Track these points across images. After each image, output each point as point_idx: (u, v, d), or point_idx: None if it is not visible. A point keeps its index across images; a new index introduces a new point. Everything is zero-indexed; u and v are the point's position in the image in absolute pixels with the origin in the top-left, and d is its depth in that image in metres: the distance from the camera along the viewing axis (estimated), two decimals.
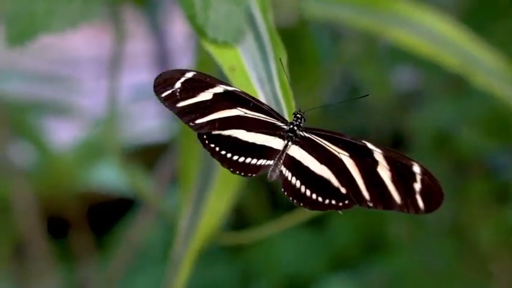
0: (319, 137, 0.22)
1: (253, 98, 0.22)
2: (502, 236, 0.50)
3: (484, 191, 0.51)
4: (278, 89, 0.24)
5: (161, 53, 0.63)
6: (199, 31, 0.26)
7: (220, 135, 0.22)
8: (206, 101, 0.22)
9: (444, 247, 0.53)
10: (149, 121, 0.64)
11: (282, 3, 0.41)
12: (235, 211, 0.57)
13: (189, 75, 0.22)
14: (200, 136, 0.22)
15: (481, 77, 0.35)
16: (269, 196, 0.58)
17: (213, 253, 0.56)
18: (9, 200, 0.51)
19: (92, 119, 0.58)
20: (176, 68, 0.22)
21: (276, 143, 0.22)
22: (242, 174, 0.22)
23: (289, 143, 0.22)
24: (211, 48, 0.25)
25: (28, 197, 0.49)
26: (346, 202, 0.21)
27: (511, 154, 0.55)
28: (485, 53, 0.36)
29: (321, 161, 0.22)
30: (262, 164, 0.22)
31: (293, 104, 0.23)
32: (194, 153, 0.31)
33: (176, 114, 0.22)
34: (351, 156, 0.21)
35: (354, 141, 0.21)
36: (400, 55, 0.42)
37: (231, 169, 0.22)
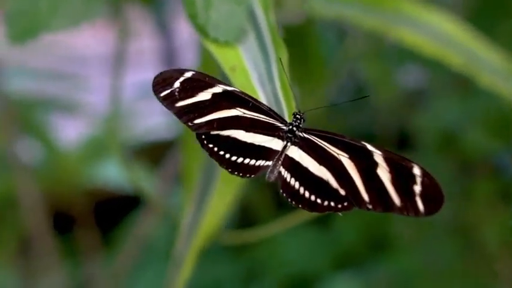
0: (318, 138, 0.22)
1: (252, 98, 0.22)
2: (507, 236, 0.50)
3: (489, 190, 0.50)
4: (279, 89, 0.24)
5: (168, 51, 0.63)
6: (200, 30, 0.26)
7: (218, 135, 0.22)
8: (205, 101, 0.22)
9: (449, 247, 0.52)
10: (156, 118, 0.64)
11: (288, 2, 0.41)
12: (240, 210, 0.57)
13: (188, 74, 0.22)
14: (198, 136, 0.22)
15: (486, 76, 0.34)
16: (274, 195, 0.58)
17: (217, 251, 0.56)
18: (15, 196, 0.51)
19: (98, 116, 0.58)
20: (175, 68, 0.22)
21: (275, 143, 0.22)
22: (240, 175, 0.22)
23: (289, 144, 0.22)
24: (212, 48, 0.25)
25: (34, 193, 0.50)
26: (345, 204, 0.21)
27: None
28: (490, 53, 0.35)
29: (320, 162, 0.21)
30: (261, 164, 0.22)
31: (294, 104, 0.23)
32: (196, 152, 0.31)
33: (174, 114, 0.22)
34: (350, 158, 0.21)
35: (353, 143, 0.21)
36: (406, 54, 0.42)
37: (229, 170, 0.22)
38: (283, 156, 0.22)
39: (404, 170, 0.21)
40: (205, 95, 0.22)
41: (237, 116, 0.22)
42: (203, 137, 0.22)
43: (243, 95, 0.22)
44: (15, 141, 0.50)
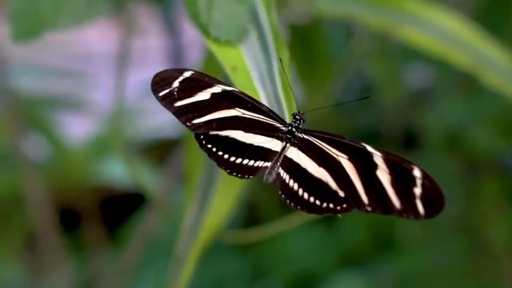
0: (318, 139, 0.22)
1: (251, 98, 0.22)
2: None
3: (495, 190, 0.50)
4: (280, 90, 0.24)
5: (175, 49, 0.63)
6: (202, 30, 0.26)
7: (217, 135, 0.22)
8: (204, 100, 0.22)
9: (455, 246, 0.52)
10: (163, 116, 0.64)
11: (295, 2, 0.41)
12: (246, 208, 0.57)
13: (187, 74, 0.22)
14: (197, 136, 0.22)
15: (492, 76, 0.34)
16: None
17: (223, 249, 0.56)
18: (22, 193, 0.51)
19: (104, 114, 0.58)
20: (174, 67, 0.22)
21: (274, 144, 0.22)
22: (239, 175, 0.22)
23: (288, 145, 0.22)
24: (214, 47, 0.25)
25: (41, 190, 0.50)
26: (344, 206, 0.21)
27: None
28: (496, 52, 0.35)
29: (320, 163, 0.21)
30: (260, 165, 0.22)
31: (294, 105, 0.23)
32: (199, 152, 0.31)
33: (173, 113, 0.22)
34: (350, 159, 0.21)
35: (353, 144, 0.21)
36: (412, 53, 0.42)
37: (228, 170, 0.22)
38: (282, 157, 0.22)
39: (404, 172, 0.20)
40: (204, 95, 0.22)
41: (236, 117, 0.22)
42: (202, 137, 0.22)
43: (242, 95, 0.22)
44: (22, 139, 0.50)
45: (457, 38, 0.36)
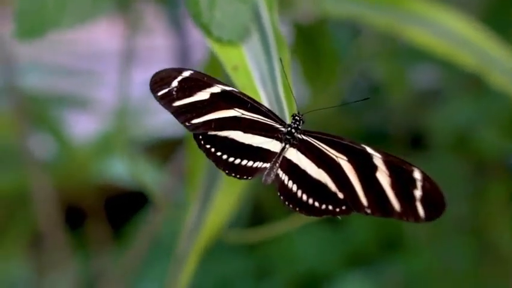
0: (317, 140, 0.21)
1: (251, 98, 0.22)
2: None
3: (503, 191, 0.50)
4: (281, 90, 0.24)
5: (182, 48, 0.63)
6: (203, 29, 0.25)
7: (216, 136, 0.22)
8: (203, 100, 0.22)
9: (462, 248, 0.52)
10: (169, 115, 0.64)
11: (301, 2, 0.40)
12: (252, 208, 0.57)
13: (186, 74, 0.22)
14: (196, 136, 0.22)
15: (499, 76, 0.34)
16: None
17: (228, 248, 0.56)
18: (28, 191, 0.51)
19: (110, 112, 0.58)
20: (173, 67, 0.22)
21: (274, 145, 0.22)
22: (237, 176, 0.22)
23: (287, 146, 0.22)
24: (215, 47, 0.25)
25: (47, 187, 0.50)
26: (343, 208, 0.21)
27: None
28: (502, 53, 0.35)
29: (319, 164, 0.21)
30: (259, 166, 0.21)
31: (295, 106, 0.23)
32: (200, 151, 0.31)
33: (172, 113, 0.22)
34: (349, 161, 0.21)
35: (352, 145, 0.21)
36: (419, 54, 0.41)
37: (226, 171, 0.22)
38: (281, 158, 0.21)
39: (404, 174, 0.20)
40: (203, 95, 0.22)
41: (235, 117, 0.22)
42: (200, 137, 0.22)
43: (241, 96, 0.22)
44: (29, 137, 0.50)
45: (463, 39, 0.36)
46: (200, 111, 0.22)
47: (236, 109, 0.22)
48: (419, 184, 0.20)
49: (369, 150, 0.21)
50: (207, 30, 0.25)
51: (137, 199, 0.59)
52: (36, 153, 0.52)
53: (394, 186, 0.20)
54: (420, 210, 0.20)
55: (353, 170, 0.21)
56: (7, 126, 0.54)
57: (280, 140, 0.22)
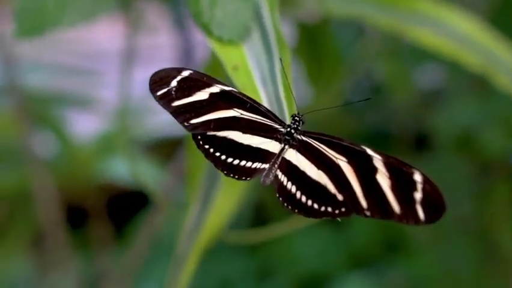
0: (317, 141, 0.21)
1: (250, 98, 0.22)
2: None
3: (507, 192, 0.49)
4: (281, 90, 0.24)
5: (185, 48, 0.63)
6: (204, 28, 0.25)
7: (215, 136, 0.21)
8: (202, 100, 0.21)
9: (466, 249, 0.51)
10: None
11: (304, 1, 0.40)
12: (254, 208, 0.57)
13: (185, 73, 0.22)
14: (194, 137, 0.21)
15: (503, 77, 0.33)
16: None
17: (230, 249, 0.56)
18: (30, 190, 0.51)
19: (112, 111, 0.58)
20: (173, 66, 0.22)
21: (273, 146, 0.21)
22: (236, 177, 0.21)
23: (286, 147, 0.21)
24: (216, 46, 0.25)
25: (49, 187, 0.50)
26: (343, 210, 0.21)
27: None
28: (507, 53, 0.34)
29: (318, 166, 0.21)
30: (258, 167, 0.21)
31: (295, 106, 0.23)
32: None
33: (170, 113, 0.22)
34: (349, 162, 0.21)
35: (352, 146, 0.21)
36: (423, 54, 0.41)
37: (225, 172, 0.21)
38: (280, 159, 0.21)
39: (405, 176, 0.20)
40: (202, 95, 0.21)
41: (234, 117, 0.21)
42: (199, 137, 0.21)
43: (240, 96, 0.22)
44: (31, 136, 0.50)
45: (467, 39, 0.36)
46: (199, 111, 0.21)
47: (235, 109, 0.21)
48: (419, 186, 0.20)
49: (369, 151, 0.20)
50: (207, 29, 0.25)
51: (139, 199, 0.59)
52: (38, 153, 0.52)
53: (394, 188, 0.20)
54: (421, 213, 0.20)
55: (353, 172, 0.20)
56: (9, 125, 0.54)
57: (279, 140, 0.22)
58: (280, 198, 0.21)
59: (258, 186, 0.30)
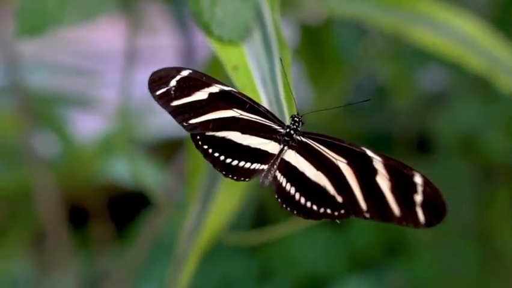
0: (316, 142, 0.21)
1: (249, 99, 0.21)
2: None
3: (509, 195, 0.49)
4: (281, 91, 0.23)
5: (187, 48, 0.62)
6: (204, 28, 0.25)
7: (213, 136, 0.21)
8: (201, 100, 0.21)
9: (467, 253, 0.51)
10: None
11: (307, 1, 0.40)
12: (256, 209, 0.57)
13: (185, 73, 0.21)
14: (193, 137, 0.21)
15: (505, 79, 0.33)
16: None
17: (230, 249, 0.56)
18: (31, 189, 0.51)
19: (114, 112, 0.58)
20: (172, 66, 0.22)
21: (272, 146, 0.21)
22: (235, 178, 0.21)
23: (286, 148, 0.21)
24: (216, 46, 0.25)
25: (50, 186, 0.50)
26: (342, 212, 0.20)
27: None
28: (510, 55, 0.34)
29: (318, 167, 0.21)
30: (256, 168, 0.21)
31: (295, 107, 0.23)
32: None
33: (169, 113, 0.21)
34: (349, 164, 0.20)
35: (352, 148, 0.20)
36: (426, 55, 0.41)
37: (223, 172, 0.21)
38: (279, 160, 0.21)
39: (405, 178, 0.20)
40: (201, 95, 0.21)
41: (233, 117, 0.21)
42: (198, 137, 0.21)
43: (240, 96, 0.21)
44: (32, 136, 0.50)
45: (470, 40, 0.35)
46: (198, 111, 0.21)
47: (234, 109, 0.21)
48: (419, 189, 0.19)
49: (369, 153, 0.20)
50: (207, 29, 0.25)
51: (141, 199, 0.59)
52: (40, 152, 0.52)
53: (394, 190, 0.20)
54: (421, 216, 0.20)
55: (353, 173, 0.20)
56: (11, 125, 0.54)
57: (278, 141, 0.21)
58: (279, 200, 0.21)
59: (259, 187, 0.30)
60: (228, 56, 0.24)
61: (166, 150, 0.61)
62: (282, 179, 0.21)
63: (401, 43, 0.49)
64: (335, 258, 0.56)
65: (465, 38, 0.35)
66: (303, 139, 0.21)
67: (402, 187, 0.20)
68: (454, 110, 0.52)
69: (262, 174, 0.21)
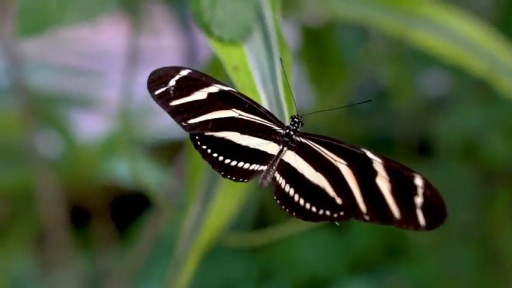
0: (316, 143, 0.21)
1: (249, 99, 0.21)
2: None
3: (509, 199, 0.49)
4: (281, 91, 0.23)
5: (190, 49, 0.63)
6: (204, 28, 0.25)
7: (212, 136, 0.21)
8: (200, 100, 0.21)
9: (467, 256, 0.51)
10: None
11: (308, 3, 0.40)
12: (256, 210, 0.57)
13: (184, 73, 0.21)
14: (192, 137, 0.21)
15: (507, 82, 0.33)
16: None
17: (231, 250, 0.56)
18: (33, 189, 0.52)
19: (116, 112, 0.58)
20: (171, 65, 0.22)
21: (271, 147, 0.21)
22: (233, 178, 0.21)
23: (285, 148, 0.21)
24: (216, 46, 0.25)
25: (52, 186, 0.50)
26: (341, 214, 0.20)
27: None
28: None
29: (317, 168, 0.21)
30: (255, 169, 0.21)
31: (295, 107, 0.23)
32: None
33: (168, 113, 0.21)
34: (348, 165, 0.20)
35: (352, 149, 0.20)
36: (428, 58, 0.41)
37: (222, 173, 0.21)
38: (278, 161, 0.21)
39: (405, 180, 0.19)
40: (200, 95, 0.21)
41: (232, 118, 0.21)
42: (196, 137, 0.21)
43: (239, 96, 0.21)
44: (35, 135, 0.50)
45: (473, 43, 0.35)
46: (197, 111, 0.21)
47: (234, 109, 0.21)
48: (420, 191, 0.19)
49: (369, 154, 0.20)
50: (208, 29, 0.25)
51: (143, 199, 0.59)
52: (42, 152, 0.52)
53: (394, 192, 0.20)
54: (421, 218, 0.19)
55: (352, 175, 0.20)
56: (14, 125, 0.54)
57: (278, 142, 0.21)
58: (278, 201, 0.21)
59: (259, 188, 0.30)
60: (228, 56, 0.24)
61: (167, 151, 0.61)
62: (281, 180, 0.21)
63: (403, 46, 0.49)
64: (336, 260, 0.56)
65: (466, 40, 0.35)
66: (303, 140, 0.21)
67: (403, 189, 0.19)
68: (455, 113, 0.51)
69: (261, 175, 0.21)
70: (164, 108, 0.21)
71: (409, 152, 0.55)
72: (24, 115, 0.49)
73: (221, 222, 0.30)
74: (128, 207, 0.61)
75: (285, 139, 0.21)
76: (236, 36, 0.25)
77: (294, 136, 0.21)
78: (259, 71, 0.24)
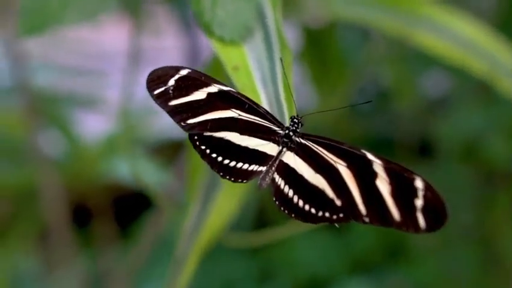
0: (316, 144, 0.21)
1: (248, 99, 0.21)
2: None
3: (510, 200, 0.49)
4: (281, 92, 0.23)
5: (192, 49, 0.63)
6: (205, 28, 0.25)
7: (211, 136, 0.21)
8: (199, 100, 0.21)
9: (468, 257, 0.51)
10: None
11: (309, 4, 0.40)
12: (257, 211, 0.57)
13: (184, 72, 0.21)
14: (191, 137, 0.21)
15: (508, 83, 0.33)
16: None
17: (231, 250, 0.56)
18: (36, 188, 0.52)
19: (118, 112, 0.58)
20: (171, 65, 0.22)
21: (270, 148, 0.21)
22: (232, 179, 0.21)
23: (284, 149, 0.21)
24: (217, 46, 0.25)
25: (55, 185, 0.50)
26: (341, 215, 0.20)
27: None
28: None
29: (317, 169, 0.20)
30: (254, 169, 0.21)
31: (294, 108, 0.23)
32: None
33: (167, 113, 0.21)
34: (348, 166, 0.20)
35: (352, 150, 0.20)
36: (429, 60, 0.41)
37: (221, 173, 0.21)
38: (277, 161, 0.21)
39: (405, 182, 0.19)
40: (200, 94, 0.21)
41: (232, 118, 0.21)
42: (195, 138, 0.21)
43: (239, 96, 0.21)
44: (38, 135, 0.50)
45: (473, 44, 0.35)
46: (196, 111, 0.21)
47: (233, 110, 0.21)
48: (420, 193, 0.19)
49: (369, 156, 0.20)
50: (208, 29, 0.25)
51: (145, 199, 0.59)
52: (46, 151, 0.52)
53: (394, 194, 0.19)
54: (421, 221, 0.19)
55: (352, 177, 0.20)
56: (17, 125, 0.54)
57: (277, 142, 0.21)
58: (277, 202, 0.21)
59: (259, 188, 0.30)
60: (229, 56, 0.24)
61: (168, 151, 0.61)
62: (280, 181, 0.21)
63: (404, 47, 0.49)
64: (335, 261, 0.56)
65: (467, 41, 0.35)
66: (302, 141, 0.21)
67: (403, 191, 0.19)
68: (455, 114, 0.51)
69: (260, 176, 0.21)
70: (163, 108, 0.21)
71: (410, 153, 0.55)
72: (27, 115, 0.49)
73: (221, 222, 0.30)
74: (130, 207, 0.61)
75: (285, 140, 0.21)
76: (237, 36, 0.25)
77: (293, 137, 0.21)
78: (260, 71, 0.24)
